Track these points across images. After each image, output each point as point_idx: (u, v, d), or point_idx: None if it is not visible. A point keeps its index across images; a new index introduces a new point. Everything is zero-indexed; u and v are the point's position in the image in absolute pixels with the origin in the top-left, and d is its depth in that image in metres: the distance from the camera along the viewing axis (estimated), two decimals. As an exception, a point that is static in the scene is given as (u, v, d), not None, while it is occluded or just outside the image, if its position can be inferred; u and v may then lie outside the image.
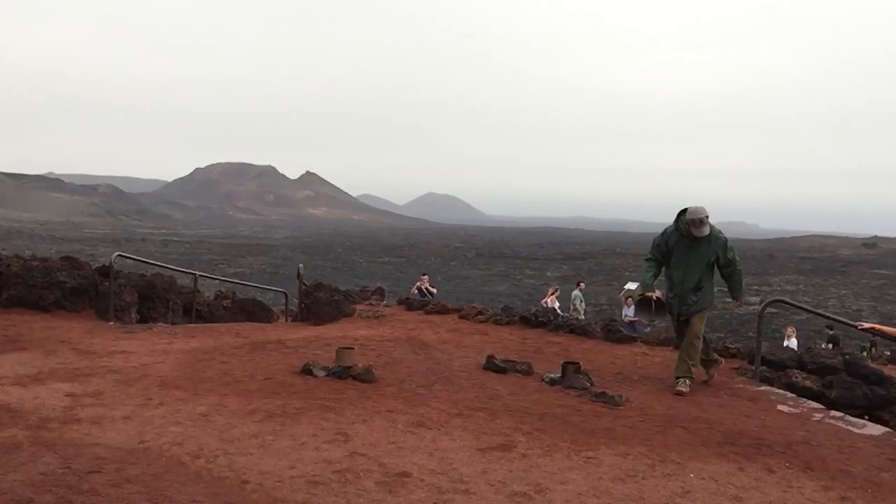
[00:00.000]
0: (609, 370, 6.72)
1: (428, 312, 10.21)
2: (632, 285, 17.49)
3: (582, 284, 17.03)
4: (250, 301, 12.29)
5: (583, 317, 14.53)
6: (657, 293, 6.42)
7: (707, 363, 6.53)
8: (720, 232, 6.27)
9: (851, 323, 7.19)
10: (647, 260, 6.54)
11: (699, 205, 6.19)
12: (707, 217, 6.10)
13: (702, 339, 6.33)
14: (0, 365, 5.72)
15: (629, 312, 15.52)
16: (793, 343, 14.36)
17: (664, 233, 6.41)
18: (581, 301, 16.24)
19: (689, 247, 6.20)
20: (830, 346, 17.40)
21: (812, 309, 9.81)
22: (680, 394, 5.97)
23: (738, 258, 6.35)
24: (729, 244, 6.28)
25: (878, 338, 14.63)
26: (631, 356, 7.52)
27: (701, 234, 6.10)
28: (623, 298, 16.52)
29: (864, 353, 16.60)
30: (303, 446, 4.03)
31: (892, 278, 72.50)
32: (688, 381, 6.15)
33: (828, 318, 9.55)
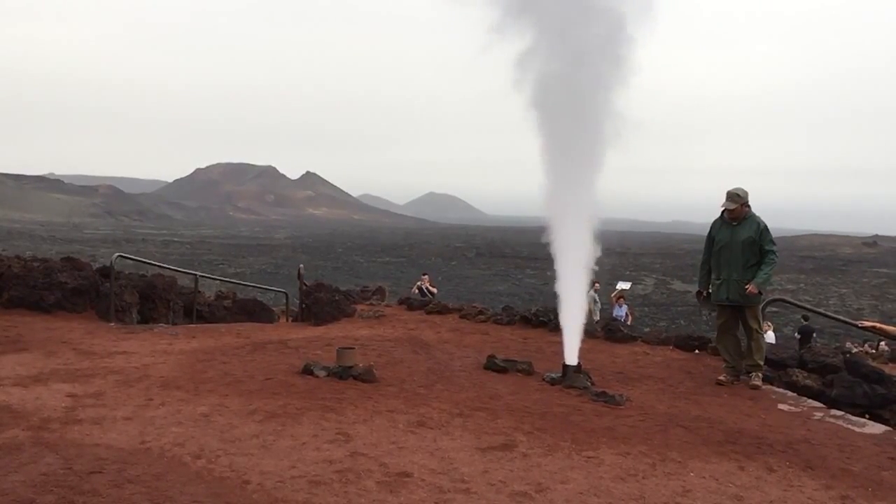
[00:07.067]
0: (609, 369, 6.72)
1: (428, 312, 10.20)
2: (623, 285, 17.40)
3: (597, 285, 16.86)
4: (251, 301, 12.30)
5: (598, 318, 14.40)
6: (705, 292, 6.70)
7: (739, 369, 6.48)
8: (761, 219, 6.37)
9: (852, 322, 7.19)
10: (702, 262, 6.70)
11: (723, 197, 6.40)
12: (739, 195, 6.30)
13: (762, 333, 6.46)
14: (1, 366, 5.73)
15: (620, 312, 15.47)
16: (770, 337, 14.33)
17: (710, 226, 6.63)
18: (596, 302, 16.08)
19: (730, 231, 6.39)
20: (798, 336, 16.36)
21: (812, 308, 9.82)
22: (755, 387, 6.17)
23: (775, 249, 6.37)
24: (767, 231, 6.32)
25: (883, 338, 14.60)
26: (631, 355, 7.51)
27: (727, 206, 6.32)
28: (614, 299, 16.45)
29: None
30: (304, 446, 4.04)
31: (893, 277, 72.45)
32: (760, 374, 6.33)
33: (828, 317, 9.56)
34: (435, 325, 9.13)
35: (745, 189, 6.37)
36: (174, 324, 9.75)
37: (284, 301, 13.42)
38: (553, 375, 6.09)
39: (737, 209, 6.31)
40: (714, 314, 6.79)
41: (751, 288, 6.24)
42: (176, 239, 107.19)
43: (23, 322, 7.96)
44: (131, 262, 11.79)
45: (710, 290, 6.59)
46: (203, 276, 11.82)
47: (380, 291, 14.11)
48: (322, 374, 5.74)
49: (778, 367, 6.79)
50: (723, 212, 6.45)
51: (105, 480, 3.31)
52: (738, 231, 6.34)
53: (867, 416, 5.85)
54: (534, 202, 6.37)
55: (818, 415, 5.51)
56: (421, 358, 6.72)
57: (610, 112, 5.99)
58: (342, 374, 5.67)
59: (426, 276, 16.81)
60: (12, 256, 9.89)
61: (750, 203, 6.39)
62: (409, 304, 11.14)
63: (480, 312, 9.71)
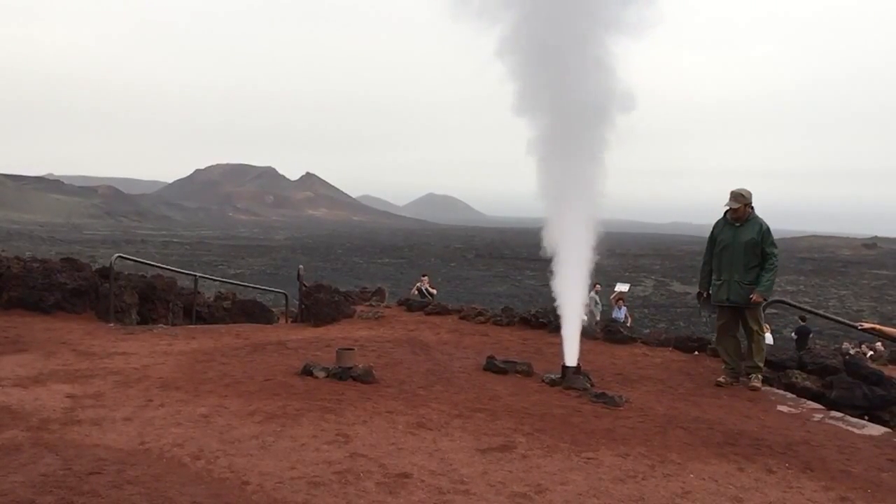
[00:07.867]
0: (609, 371, 6.72)
1: (428, 313, 10.20)
2: (622, 286, 17.42)
3: (598, 286, 16.86)
4: (250, 302, 12.29)
5: (598, 319, 14.39)
6: (706, 293, 6.70)
7: (738, 371, 6.47)
8: (763, 220, 6.36)
9: (851, 323, 7.19)
10: (703, 263, 6.70)
11: (723, 198, 6.43)
12: (743, 195, 6.30)
13: (762, 334, 6.46)
14: (1, 366, 5.73)
15: (619, 314, 15.45)
16: (767, 339, 14.39)
17: (713, 226, 6.62)
18: (597, 304, 16.08)
19: (733, 232, 6.39)
20: (795, 337, 16.39)
21: (812, 309, 9.83)
22: (754, 389, 6.17)
23: (776, 252, 6.36)
24: (769, 233, 6.30)
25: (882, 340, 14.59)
26: (631, 357, 7.52)
27: (731, 206, 6.33)
28: (614, 300, 16.43)
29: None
30: (303, 447, 4.04)
31: (892, 279, 72.54)
32: (759, 376, 6.33)
33: (828, 318, 9.56)
34: (434, 327, 9.13)
35: (749, 190, 6.38)
36: (174, 325, 9.75)
37: (284, 302, 13.42)
38: (552, 377, 6.09)
39: (740, 209, 6.31)
40: (714, 316, 6.78)
41: (755, 297, 6.25)
42: (175, 240, 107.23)
43: (22, 323, 7.96)
44: (131, 262, 11.78)
45: (711, 291, 6.60)
46: (202, 277, 11.82)
47: (379, 292, 14.10)
48: (321, 374, 5.74)
49: (777, 369, 6.80)
50: (725, 212, 6.46)
51: (104, 481, 3.31)
52: (741, 232, 6.34)
53: (866, 417, 5.86)
54: (533, 203, 6.37)
55: (817, 416, 5.51)
56: (420, 359, 6.72)
57: (609, 116, 6.00)
58: (341, 375, 5.67)
59: (426, 278, 16.82)
60: (12, 257, 9.88)
61: (753, 204, 6.40)
62: (408, 305, 11.14)
63: (480, 313, 9.71)
